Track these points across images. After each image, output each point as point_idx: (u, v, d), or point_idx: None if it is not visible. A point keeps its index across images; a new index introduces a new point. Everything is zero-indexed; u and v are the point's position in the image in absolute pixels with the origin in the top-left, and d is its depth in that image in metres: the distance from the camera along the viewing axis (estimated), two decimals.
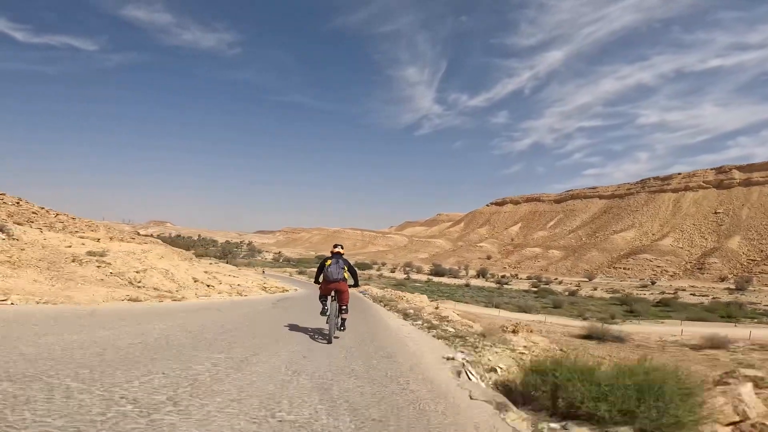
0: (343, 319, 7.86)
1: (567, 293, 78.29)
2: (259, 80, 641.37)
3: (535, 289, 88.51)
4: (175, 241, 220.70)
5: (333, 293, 7.56)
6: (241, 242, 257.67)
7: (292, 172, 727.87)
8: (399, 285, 79.79)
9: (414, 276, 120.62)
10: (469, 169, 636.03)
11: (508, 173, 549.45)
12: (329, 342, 7.06)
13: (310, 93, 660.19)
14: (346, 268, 7.57)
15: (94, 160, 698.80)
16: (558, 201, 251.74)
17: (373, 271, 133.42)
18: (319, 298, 7.77)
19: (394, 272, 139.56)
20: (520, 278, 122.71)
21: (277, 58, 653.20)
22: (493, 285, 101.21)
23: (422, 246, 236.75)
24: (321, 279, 7.67)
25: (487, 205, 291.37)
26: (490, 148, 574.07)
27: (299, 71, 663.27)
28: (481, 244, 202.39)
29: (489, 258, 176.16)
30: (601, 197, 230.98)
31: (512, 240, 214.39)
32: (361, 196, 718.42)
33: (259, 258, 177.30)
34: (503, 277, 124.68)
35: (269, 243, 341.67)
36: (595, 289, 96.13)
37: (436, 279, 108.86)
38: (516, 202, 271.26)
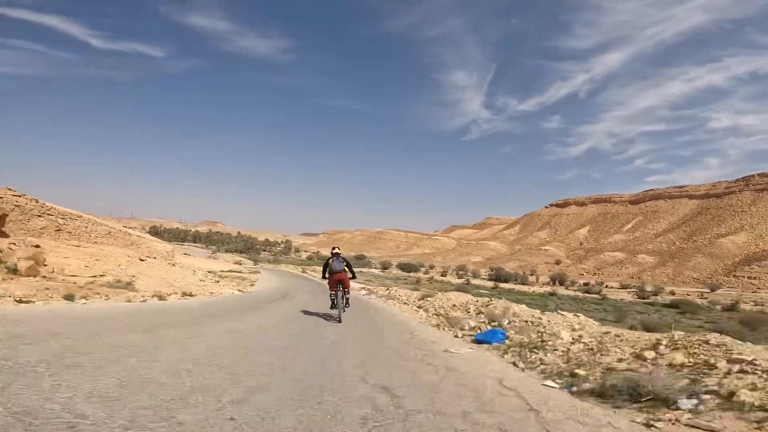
0: (347, 299, 10.96)
1: (718, 307, 52.41)
2: (308, 85, 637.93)
3: (667, 301, 62.89)
4: (211, 237, 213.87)
5: (338, 284, 10.59)
6: (280, 242, 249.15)
7: (338, 176, 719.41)
8: (459, 291, 58.28)
9: (473, 281, 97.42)
10: (520, 175, 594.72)
11: (562, 179, 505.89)
12: (339, 321, 10.28)
13: (358, 97, 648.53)
14: (345, 263, 10.70)
15: (155, 164, 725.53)
16: (634, 202, 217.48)
17: (420, 274, 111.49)
18: (330, 296, 10.80)
19: (445, 276, 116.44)
20: (611, 287, 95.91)
21: (325, 63, 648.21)
22: (583, 294, 76.17)
23: (474, 249, 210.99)
24: (327, 274, 10.69)
25: (546, 207, 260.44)
26: (542, 153, 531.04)
27: (347, 76, 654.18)
28: (545, 248, 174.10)
29: (558, 263, 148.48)
30: (691, 197, 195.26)
31: (581, 244, 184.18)
32: (405, 199, 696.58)
33: (293, 256, 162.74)
34: (587, 284, 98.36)
35: (309, 243, 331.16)
36: (736, 303, 68.66)
37: (504, 286, 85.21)
38: (581, 204, 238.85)
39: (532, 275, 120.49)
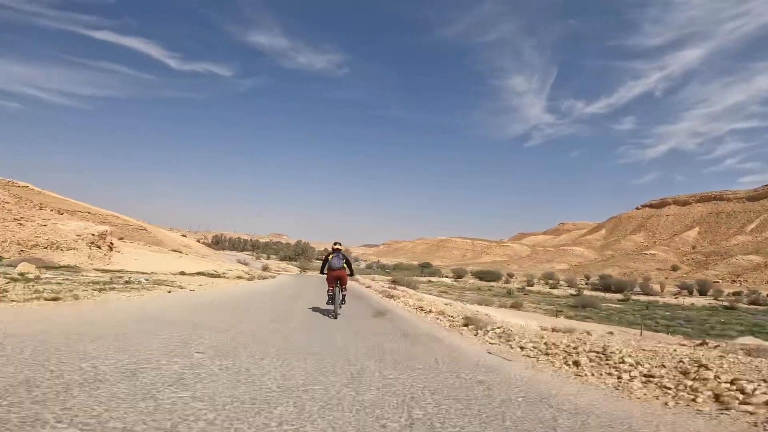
0: (344, 296, 10.58)
1: None
2: (364, 97, 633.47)
3: None
4: (269, 246, 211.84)
5: (337, 281, 10.14)
6: None
7: (397, 187, 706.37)
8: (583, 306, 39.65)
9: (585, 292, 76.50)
10: (591, 179, 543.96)
11: (640, 183, 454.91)
12: (335, 318, 9.84)
13: (413, 107, 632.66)
14: (344, 260, 10.30)
15: (228, 180, 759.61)
16: (753, 198, 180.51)
17: (502, 283, 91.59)
18: (327, 292, 10.39)
19: (532, 285, 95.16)
20: None
21: (380, 75, 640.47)
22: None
23: (554, 255, 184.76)
24: (326, 269, 10.27)
25: (638, 208, 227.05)
26: (615, 156, 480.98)
27: (403, 87, 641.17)
28: (651, 252, 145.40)
29: (675, 269, 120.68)
30: None
31: (694, 247, 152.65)
32: (466, 208, 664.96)
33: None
34: (737, 294, 73.17)
35: (369, 253, 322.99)
36: None
37: (642, 298, 63.72)
38: (684, 203, 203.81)
39: (644, 283, 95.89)
